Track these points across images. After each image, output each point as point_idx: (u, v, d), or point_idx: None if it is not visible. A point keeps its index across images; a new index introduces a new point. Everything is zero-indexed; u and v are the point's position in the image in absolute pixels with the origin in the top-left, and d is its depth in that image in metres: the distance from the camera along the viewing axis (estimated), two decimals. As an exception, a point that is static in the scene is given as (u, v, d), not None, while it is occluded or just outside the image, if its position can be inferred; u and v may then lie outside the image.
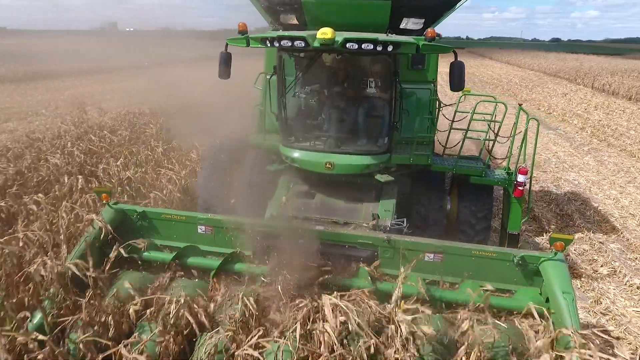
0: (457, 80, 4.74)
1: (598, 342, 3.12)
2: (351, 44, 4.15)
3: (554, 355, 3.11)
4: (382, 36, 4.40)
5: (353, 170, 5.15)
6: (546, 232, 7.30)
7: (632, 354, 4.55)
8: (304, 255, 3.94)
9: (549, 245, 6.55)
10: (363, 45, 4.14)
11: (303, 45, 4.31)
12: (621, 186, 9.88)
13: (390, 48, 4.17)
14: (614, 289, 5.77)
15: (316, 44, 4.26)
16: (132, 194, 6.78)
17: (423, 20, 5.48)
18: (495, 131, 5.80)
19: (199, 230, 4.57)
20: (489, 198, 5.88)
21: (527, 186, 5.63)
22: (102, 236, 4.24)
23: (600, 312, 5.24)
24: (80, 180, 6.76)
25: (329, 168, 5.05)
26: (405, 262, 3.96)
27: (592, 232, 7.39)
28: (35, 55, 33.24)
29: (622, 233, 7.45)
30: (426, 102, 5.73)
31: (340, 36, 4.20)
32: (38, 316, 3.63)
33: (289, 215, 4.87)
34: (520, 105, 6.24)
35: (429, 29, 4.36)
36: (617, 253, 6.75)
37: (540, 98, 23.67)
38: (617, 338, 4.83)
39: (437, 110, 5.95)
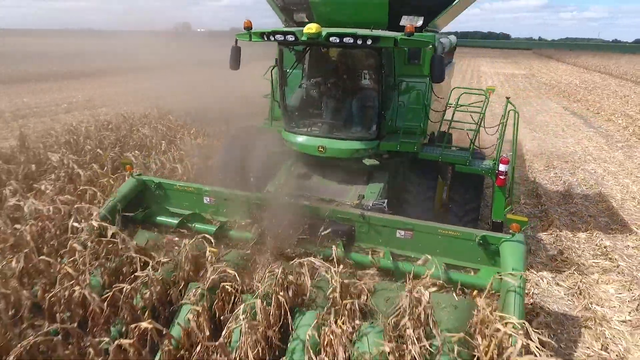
0: (437, 72, 5.14)
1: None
2: (334, 37, 4.68)
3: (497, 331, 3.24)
4: (362, 31, 4.88)
5: (343, 154, 5.64)
6: (542, 206, 8.35)
7: (573, 284, 5.70)
8: (286, 223, 4.53)
9: (545, 216, 7.68)
10: (344, 39, 4.67)
11: (293, 39, 4.87)
12: (637, 176, 10.48)
13: (369, 42, 4.65)
14: (584, 247, 6.81)
15: (303, 37, 4.80)
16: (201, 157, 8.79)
17: (422, 18, 5.87)
18: (481, 122, 6.13)
19: (205, 201, 5.14)
20: (477, 187, 6.06)
21: (510, 176, 5.70)
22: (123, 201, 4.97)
23: (561, 260, 6.35)
24: (163, 144, 8.94)
25: (321, 151, 5.60)
26: (378, 237, 4.42)
27: (586, 208, 8.32)
28: (117, 53, 37.78)
29: (615, 210, 8.30)
30: (421, 94, 6.12)
31: (324, 31, 4.73)
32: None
33: (284, 192, 5.35)
34: (507, 98, 6.66)
35: (408, 25, 4.77)
36: (602, 224, 7.69)
37: (597, 99, 23.43)
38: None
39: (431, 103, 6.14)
